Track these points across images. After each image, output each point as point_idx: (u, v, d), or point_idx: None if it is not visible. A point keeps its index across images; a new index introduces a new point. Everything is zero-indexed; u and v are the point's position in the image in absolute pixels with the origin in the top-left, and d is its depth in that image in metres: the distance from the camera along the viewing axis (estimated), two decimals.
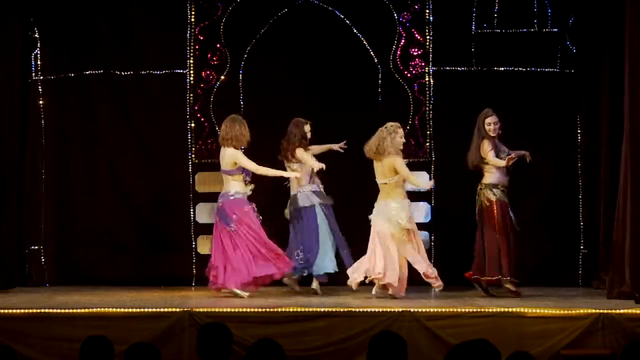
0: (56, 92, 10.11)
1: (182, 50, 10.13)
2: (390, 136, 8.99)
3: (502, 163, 8.98)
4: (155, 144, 10.10)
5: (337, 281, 9.52)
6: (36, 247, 9.95)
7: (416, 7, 10.18)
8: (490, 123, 9.08)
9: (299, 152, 9.30)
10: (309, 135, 9.37)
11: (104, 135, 10.14)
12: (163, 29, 10.14)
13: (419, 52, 10.20)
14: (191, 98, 10.14)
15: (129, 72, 10.11)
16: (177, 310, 7.57)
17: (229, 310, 7.65)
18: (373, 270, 8.86)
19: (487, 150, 9.03)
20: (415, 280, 9.56)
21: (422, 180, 9.61)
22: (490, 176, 9.09)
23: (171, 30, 10.13)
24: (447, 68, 10.20)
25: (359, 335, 7.38)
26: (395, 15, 10.17)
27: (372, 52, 10.18)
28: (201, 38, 10.16)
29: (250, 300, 8.61)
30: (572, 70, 10.11)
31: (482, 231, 9.08)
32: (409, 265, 9.04)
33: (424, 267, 8.98)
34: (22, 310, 7.59)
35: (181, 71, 10.14)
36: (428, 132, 10.19)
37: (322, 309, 7.77)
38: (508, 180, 9.11)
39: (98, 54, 10.10)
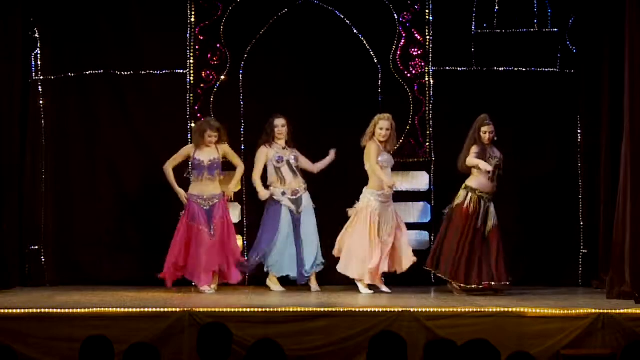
0: (56, 92, 10.10)
1: (182, 50, 10.12)
2: (373, 125, 9.28)
3: (489, 167, 8.99)
4: (155, 144, 10.08)
5: (336, 281, 9.54)
6: (36, 247, 9.93)
7: (416, 7, 10.18)
8: (487, 132, 9.14)
9: (258, 151, 9.55)
10: (279, 130, 9.52)
11: (104, 135, 10.13)
12: (163, 29, 10.13)
13: (419, 52, 10.20)
14: (191, 98, 10.14)
15: (129, 72, 10.10)
16: (177, 310, 7.56)
17: (229, 310, 7.64)
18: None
19: (471, 152, 9.08)
20: (415, 281, 9.59)
21: (384, 177, 9.45)
22: (473, 179, 9.15)
23: (171, 30, 10.12)
24: (447, 68, 10.20)
25: (359, 335, 7.38)
26: (395, 15, 10.17)
27: (372, 52, 10.18)
28: (201, 38, 10.15)
29: (250, 300, 8.62)
30: (572, 70, 10.11)
31: (446, 227, 9.16)
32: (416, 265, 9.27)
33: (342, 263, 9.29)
34: (22, 310, 7.58)
35: (181, 71, 10.14)
36: (428, 132, 10.19)
37: (322, 309, 7.78)
38: (492, 188, 9.11)
39: (98, 54, 10.08)
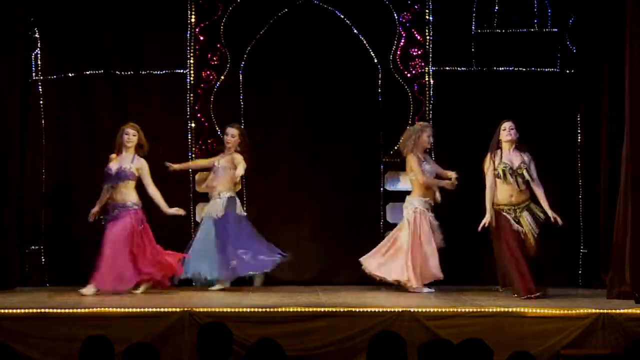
0: (56, 92, 10.11)
1: (182, 50, 10.13)
2: (416, 135, 9.25)
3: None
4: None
5: (337, 281, 9.54)
6: (36, 247, 9.95)
7: (416, 7, 10.18)
8: (506, 128, 8.91)
9: None
10: (227, 137, 9.52)
11: (104, 135, 10.12)
12: (163, 29, 10.14)
13: (419, 52, 10.20)
14: (191, 98, 10.14)
15: (129, 72, 10.11)
16: (177, 310, 7.57)
17: (229, 310, 7.65)
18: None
19: (484, 165, 8.99)
20: None
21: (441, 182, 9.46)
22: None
23: (171, 30, 10.13)
24: (447, 68, 10.20)
25: (359, 335, 7.38)
26: (395, 15, 10.18)
27: (372, 52, 10.18)
28: (201, 38, 10.16)
29: (251, 300, 8.62)
30: (572, 70, 10.11)
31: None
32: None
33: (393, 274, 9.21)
34: (22, 310, 7.59)
35: (181, 71, 10.14)
36: None
37: (322, 309, 7.77)
38: (509, 198, 8.90)
39: (98, 54, 10.09)
